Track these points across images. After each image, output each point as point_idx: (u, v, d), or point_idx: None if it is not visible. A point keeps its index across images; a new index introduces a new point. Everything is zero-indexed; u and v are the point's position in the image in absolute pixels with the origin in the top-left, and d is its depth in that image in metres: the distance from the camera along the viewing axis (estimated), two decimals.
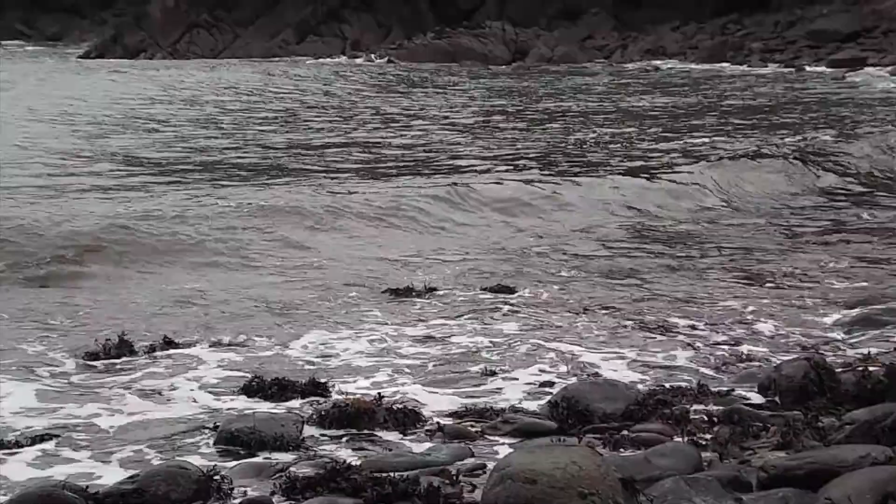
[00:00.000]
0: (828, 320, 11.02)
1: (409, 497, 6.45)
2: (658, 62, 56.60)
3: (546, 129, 28.29)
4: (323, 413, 8.19)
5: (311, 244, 14.67)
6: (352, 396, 8.50)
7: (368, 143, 25.54)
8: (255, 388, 8.85)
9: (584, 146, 24.76)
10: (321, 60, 62.81)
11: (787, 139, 24.96)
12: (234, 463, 7.31)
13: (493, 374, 9.34)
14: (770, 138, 25.30)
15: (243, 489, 6.83)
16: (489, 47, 61.44)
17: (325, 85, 45.51)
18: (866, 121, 28.98)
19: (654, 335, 10.47)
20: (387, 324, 10.94)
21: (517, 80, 47.93)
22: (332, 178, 19.76)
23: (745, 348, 10.08)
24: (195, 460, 7.18)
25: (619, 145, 24.91)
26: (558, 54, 60.54)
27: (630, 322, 10.91)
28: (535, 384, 9.03)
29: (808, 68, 51.12)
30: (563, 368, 9.43)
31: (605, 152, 23.63)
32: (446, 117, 32.02)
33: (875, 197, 19.59)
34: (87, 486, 6.58)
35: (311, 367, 9.53)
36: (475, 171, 20.46)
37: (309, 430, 7.93)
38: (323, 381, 8.97)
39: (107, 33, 77.08)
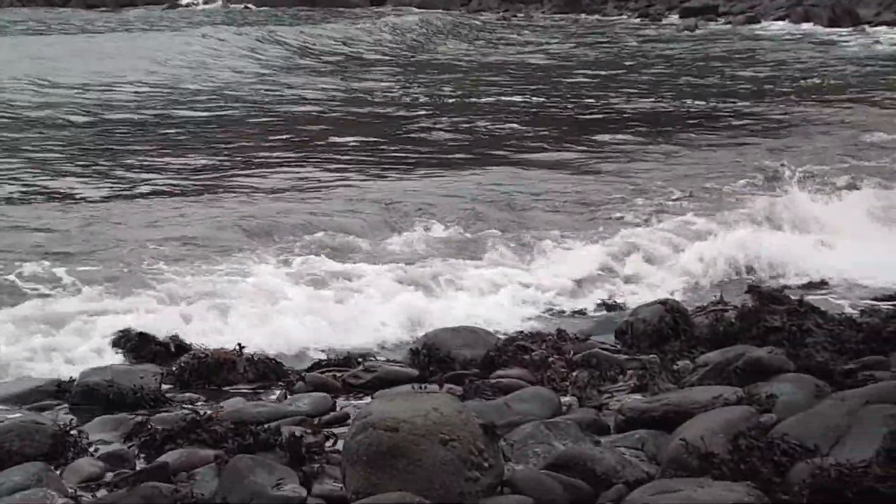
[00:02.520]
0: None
1: (271, 447, 6.42)
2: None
3: None
4: (182, 365, 8.09)
5: None
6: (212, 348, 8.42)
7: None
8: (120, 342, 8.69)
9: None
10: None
11: None
12: (92, 417, 7.19)
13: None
14: None
15: (102, 443, 6.73)
16: None
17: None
18: None
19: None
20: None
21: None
22: None
23: (605, 292, 10.21)
24: (52, 415, 7.05)
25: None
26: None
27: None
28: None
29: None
30: None
31: None
32: None
33: None
34: None
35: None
36: None
37: (169, 384, 7.84)
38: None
39: None
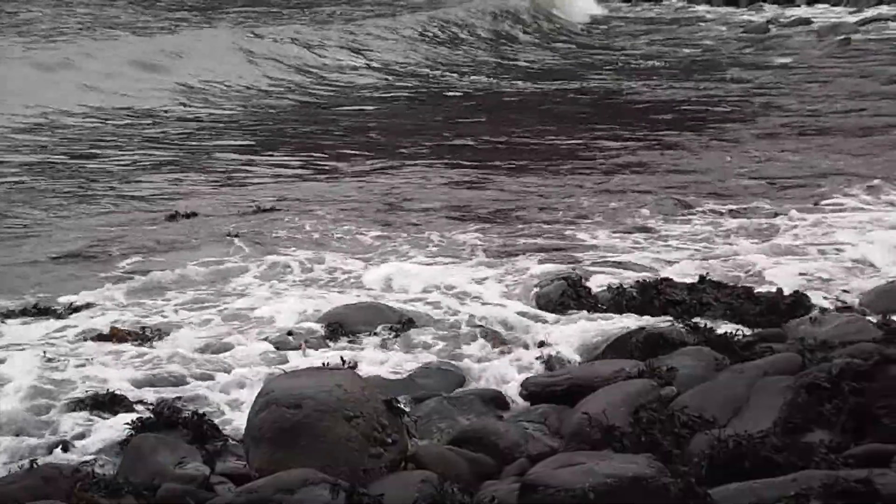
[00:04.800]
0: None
1: (174, 425, 6.38)
2: None
3: None
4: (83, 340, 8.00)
5: None
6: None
7: None
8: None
9: None
10: None
11: None
12: None
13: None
14: None
15: None
16: None
17: None
18: None
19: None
20: None
21: None
22: None
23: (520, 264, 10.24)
24: None
25: None
26: None
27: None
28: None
29: None
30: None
31: None
32: None
33: None
34: None
35: None
36: None
37: None
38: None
39: None
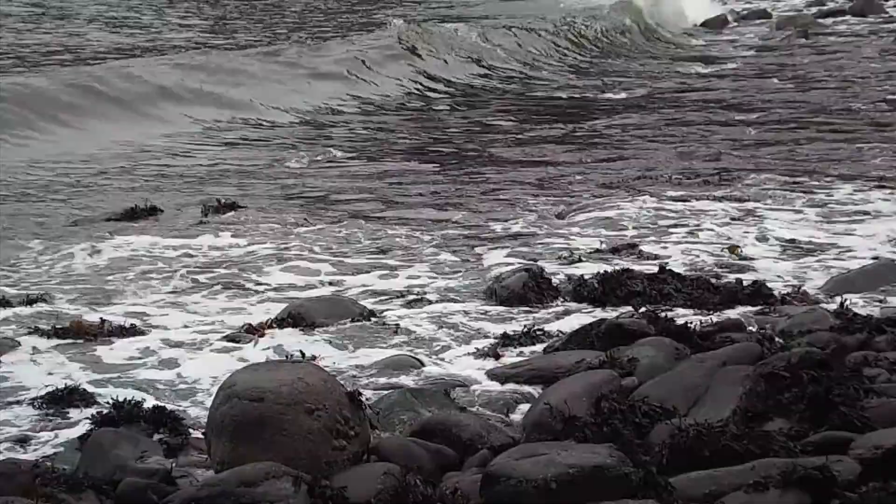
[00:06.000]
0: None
1: (135, 420, 6.36)
2: None
3: None
4: (39, 336, 7.95)
5: None
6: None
7: None
8: None
9: None
10: None
11: None
12: None
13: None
14: None
15: None
16: None
17: None
18: None
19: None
20: None
21: None
22: None
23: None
24: None
25: None
26: None
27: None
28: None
29: None
30: None
31: None
32: None
33: None
34: None
35: None
36: None
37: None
38: None
39: None
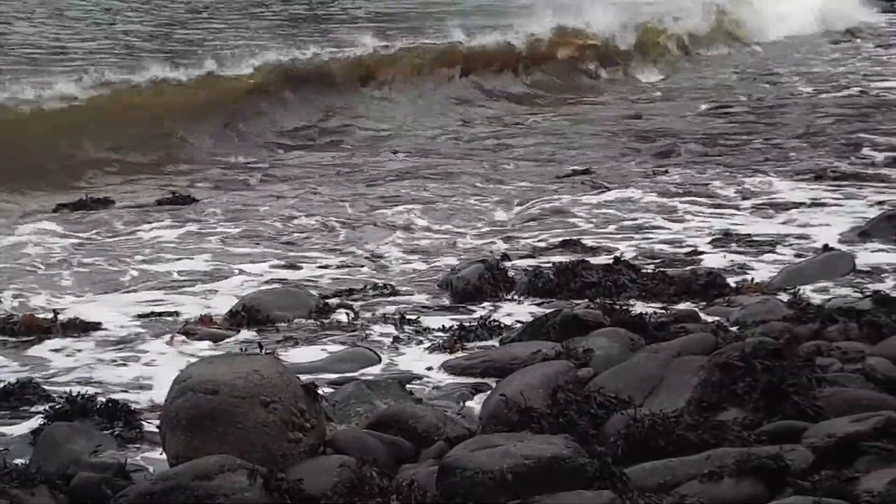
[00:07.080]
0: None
1: (89, 413, 6.32)
2: None
3: None
4: None
5: None
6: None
7: None
8: None
9: None
10: None
11: None
12: None
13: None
14: None
15: None
16: None
17: None
18: None
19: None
20: None
21: None
22: None
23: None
24: None
25: None
26: None
27: None
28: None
29: None
30: None
31: None
32: None
33: None
34: None
35: None
36: None
37: None
38: None
39: None
